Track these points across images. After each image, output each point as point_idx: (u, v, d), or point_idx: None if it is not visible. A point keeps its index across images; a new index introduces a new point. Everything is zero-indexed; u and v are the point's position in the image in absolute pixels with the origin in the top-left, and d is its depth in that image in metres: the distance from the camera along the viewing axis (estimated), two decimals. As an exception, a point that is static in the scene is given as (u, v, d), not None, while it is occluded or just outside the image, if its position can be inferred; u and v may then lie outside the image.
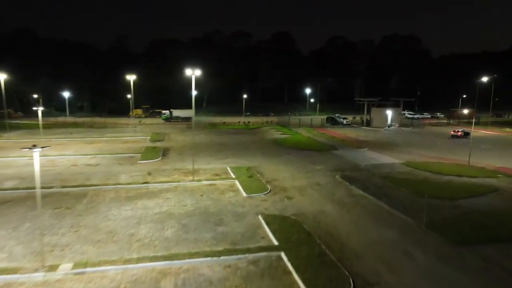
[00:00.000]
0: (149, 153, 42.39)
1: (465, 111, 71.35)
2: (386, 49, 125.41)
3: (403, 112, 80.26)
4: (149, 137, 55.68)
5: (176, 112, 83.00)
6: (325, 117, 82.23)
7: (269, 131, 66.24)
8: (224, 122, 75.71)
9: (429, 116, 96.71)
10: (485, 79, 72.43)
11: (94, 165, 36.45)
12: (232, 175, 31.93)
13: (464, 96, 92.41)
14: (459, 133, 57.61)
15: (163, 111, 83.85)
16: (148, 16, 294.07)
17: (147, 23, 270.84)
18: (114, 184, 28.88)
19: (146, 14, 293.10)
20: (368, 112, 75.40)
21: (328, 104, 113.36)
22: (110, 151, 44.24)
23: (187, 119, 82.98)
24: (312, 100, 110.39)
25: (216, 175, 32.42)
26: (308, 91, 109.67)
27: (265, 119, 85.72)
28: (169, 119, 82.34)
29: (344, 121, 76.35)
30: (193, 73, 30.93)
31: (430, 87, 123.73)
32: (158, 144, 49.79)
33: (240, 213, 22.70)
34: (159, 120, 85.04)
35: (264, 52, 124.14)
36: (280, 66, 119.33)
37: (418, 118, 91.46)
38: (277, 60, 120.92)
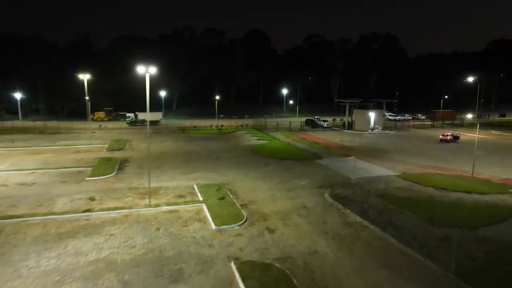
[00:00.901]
0: (102, 166, 35.91)
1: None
2: (364, 48, 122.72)
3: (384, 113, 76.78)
4: (107, 146, 48.91)
5: (142, 115, 76.09)
6: (304, 119, 77.68)
7: (244, 136, 60.77)
8: (195, 126, 69.55)
9: (410, 117, 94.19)
10: (471, 79, 69.89)
11: (29, 184, 29.74)
12: (200, 197, 26.21)
13: (446, 96, 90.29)
14: (448, 137, 54.20)
15: (127, 114, 76.57)
16: (114, 10, 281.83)
17: (111, 18, 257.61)
18: (44, 215, 22.49)
19: (110, 8, 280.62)
20: (350, 114, 71.36)
21: (306, 105, 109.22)
22: (55, 164, 37.36)
23: (155, 122, 76.26)
24: (291, 102, 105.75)
25: (180, 196, 26.59)
26: (285, 91, 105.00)
27: (240, 122, 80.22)
28: (134, 123, 75.28)
29: (325, 124, 71.97)
30: (146, 71, 24.85)
31: (408, 88, 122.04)
32: (116, 154, 43.25)
33: (207, 258, 17.07)
34: (123, 124, 77.82)
35: (238, 50, 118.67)
36: (255, 66, 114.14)
37: (399, 120, 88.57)
38: (251, 59, 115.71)
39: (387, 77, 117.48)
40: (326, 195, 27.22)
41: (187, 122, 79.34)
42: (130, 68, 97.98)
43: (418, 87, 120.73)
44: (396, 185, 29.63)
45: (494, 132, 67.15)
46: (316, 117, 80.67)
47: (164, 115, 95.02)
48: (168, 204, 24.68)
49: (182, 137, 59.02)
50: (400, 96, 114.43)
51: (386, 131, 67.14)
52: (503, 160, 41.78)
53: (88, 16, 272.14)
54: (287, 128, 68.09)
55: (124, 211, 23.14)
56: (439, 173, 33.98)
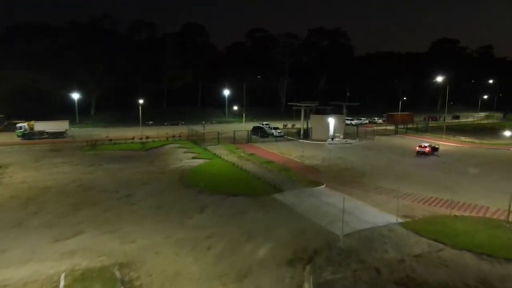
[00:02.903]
0: None
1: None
2: (313, 44, 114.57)
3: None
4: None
5: (40, 125, 58.95)
6: (250, 126, 65.96)
7: (174, 152, 47.26)
8: (111, 140, 54.19)
9: (367, 121, 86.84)
10: (440, 79, 63.15)
11: None
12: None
13: (405, 98, 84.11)
14: (427, 149, 45.56)
15: (19, 124, 58.51)
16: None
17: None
18: None
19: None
20: (305, 119, 60.88)
21: (251, 109, 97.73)
22: None
23: (58, 134, 59.54)
24: (235, 108, 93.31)
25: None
26: (227, 93, 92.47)
27: (173, 130, 66.26)
28: (29, 135, 57.69)
29: (276, 132, 60.75)
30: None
31: (359, 88, 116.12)
32: (-41, 196, 27.67)
33: None
34: (14, 137, 59.77)
35: (172, 46, 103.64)
36: (192, 64, 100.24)
37: (356, 125, 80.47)
38: (188, 57, 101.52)
39: (337, 77, 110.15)
40: (307, 286, 15.32)
41: (106, 132, 63.43)
42: (33, 63, 79.77)
43: (369, 88, 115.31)
44: (413, 251, 18.60)
45: (464, 138, 60.72)
46: (265, 123, 69.26)
47: (78, 124, 77.71)
48: None
49: (89, 158, 43.92)
50: (351, 97, 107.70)
51: (348, 140, 57.58)
52: (509, 182, 33.12)
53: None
54: (230, 139, 55.65)
55: None
56: (456, 216, 23.79)
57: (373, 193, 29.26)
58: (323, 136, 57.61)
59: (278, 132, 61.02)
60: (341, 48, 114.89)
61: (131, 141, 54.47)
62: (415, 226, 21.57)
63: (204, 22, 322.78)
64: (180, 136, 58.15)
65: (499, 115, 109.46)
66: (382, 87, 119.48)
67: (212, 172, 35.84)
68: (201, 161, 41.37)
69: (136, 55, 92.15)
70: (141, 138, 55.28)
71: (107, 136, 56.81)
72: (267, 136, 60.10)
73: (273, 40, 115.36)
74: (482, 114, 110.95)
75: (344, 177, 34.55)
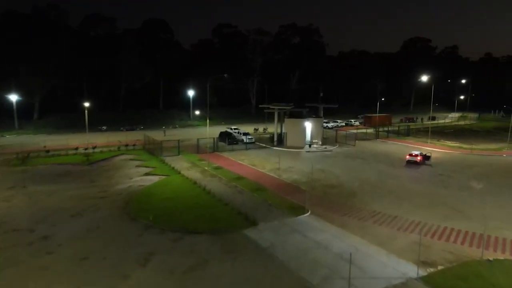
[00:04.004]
0: None
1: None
2: (284, 41, 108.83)
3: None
4: None
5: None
6: (218, 130, 59.04)
7: (125, 166, 39.61)
8: (48, 151, 45.44)
9: (344, 123, 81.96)
10: (425, 78, 59.06)
11: None
12: None
13: (383, 99, 79.97)
14: (418, 157, 40.44)
15: None
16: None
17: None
18: None
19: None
20: (279, 123, 54.64)
21: (218, 111, 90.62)
22: None
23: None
24: (197, 113, 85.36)
25: None
26: (191, 93, 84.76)
27: (130, 136, 58.26)
28: None
29: (246, 139, 54.16)
30: None
31: (332, 88, 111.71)
32: None
33: None
34: None
35: (132, 43, 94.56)
36: (154, 62, 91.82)
37: (332, 128, 75.32)
38: (149, 54, 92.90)
39: (310, 76, 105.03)
40: None
41: (49, 140, 54.30)
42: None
43: (343, 87, 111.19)
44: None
45: (450, 143, 56.59)
46: (233, 128, 62.45)
47: (17, 130, 67.81)
48: None
49: (13, 176, 35.47)
50: (325, 98, 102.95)
51: (328, 147, 51.88)
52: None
53: None
54: (194, 147, 48.43)
55: None
56: (490, 260, 18.09)
57: (372, 223, 23.25)
58: (300, 142, 51.63)
59: (249, 139, 54.41)
60: (313, 45, 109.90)
61: (74, 152, 46.09)
62: (445, 284, 15.59)
63: (171, 19, 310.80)
64: (134, 145, 50.26)
65: (473, 115, 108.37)
66: (356, 87, 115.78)
67: (167, 195, 28.67)
68: (155, 178, 34.06)
69: (90, 51, 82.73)
70: (86, 148, 47.03)
71: (44, 146, 48.01)
72: (236, 143, 53.38)
73: (242, 37, 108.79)
74: (456, 114, 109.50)
75: (330, 198, 28.43)
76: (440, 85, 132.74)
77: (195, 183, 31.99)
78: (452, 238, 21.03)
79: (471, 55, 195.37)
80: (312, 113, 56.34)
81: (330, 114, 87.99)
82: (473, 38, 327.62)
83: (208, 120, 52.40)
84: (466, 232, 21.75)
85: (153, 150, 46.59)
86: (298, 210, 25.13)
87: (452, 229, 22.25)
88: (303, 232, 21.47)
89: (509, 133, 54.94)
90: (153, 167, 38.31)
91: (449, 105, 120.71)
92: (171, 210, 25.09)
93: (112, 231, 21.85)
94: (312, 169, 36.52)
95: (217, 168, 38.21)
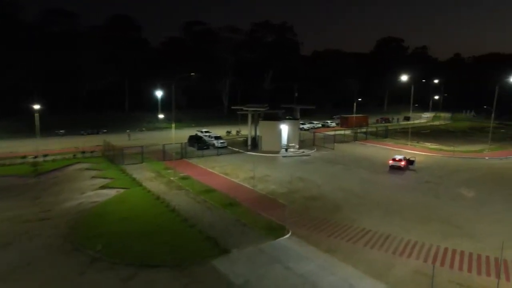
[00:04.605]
0: None
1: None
2: (257, 39, 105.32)
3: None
4: None
5: None
6: (188, 133, 54.84)
7: (78, 178, 34.84)
8: (-11, 160, 39.90)
9: (320, 125, 79.35)
10: (404, 77, 57.26)
11: None
12: None
13: (360, 99, 77.98)
14: (402, 162, 37.94)
15: None
16: None
17: None
18: None
19: None
20: (253, 126, 51.07)
21: (189, 112, 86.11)
22: None
23: None
24: (160, 116, 79.86)
25: None
26: (159, 94, 79.71)
27: (91, 141, 53.07)
28: None
29: (218, 143, 50.25)
30: None
31: (306, 88, 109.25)
32: None
33: None
34: None
35: (96, 41, 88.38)
36: (119, 60, 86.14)
37: (308, 129, 72.50)
38: (115, 52, 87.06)
39: (284, 75, 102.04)
40: None
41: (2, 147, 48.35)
42: None
43: (319, 87, 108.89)
44: None
45: (430, 145, 54.81)
46: (204, 131, 58.28)
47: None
48: None
49: None
50: (299, 98, 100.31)
51: (306, 151, 48.77)
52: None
53: None
54: (159, 154, 43.95)
55: None
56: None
57: (363, 245, 20.06)
58: (275, 146, 48.25)
59: (221, 143, 50.53)
60: (287, 43, 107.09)
61: (21, 161, 40.70)
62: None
63: (140, 15, 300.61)
64: (93, 152, 45.24)
65: (446, 115, 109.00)
66: (331, 87, 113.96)
67: (124, 214, 24.48)
68: (112, 192, 29.66)
69: (48, 49, 76.22)
70: (36, 157, 41.71)
71: (-12, 155, 42.29)
72: (207, 148, 49.36)
73: (213, 34, 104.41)
74: (430, 114, 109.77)
75: (313, 214, 25.10)
76: (414, 85, 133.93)
77: (158, 198, 27.87)
78: (456, 264, 18.12)
79: (440, 55, 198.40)
80: (287, 115, 53.09)
81: (306, 115, 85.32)
82: (441, 39, 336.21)
83: (174, 124, 48.21)
84: (471, 255, 18.95)
85: (114, 157, 41.85)
86: (277, 230, 21.64)
87: (455, 251, 19.39)
88: (284, 262, 17.96)
89: (490, 134, 53.89)
90: (111, 178, 33.78)
91: (423, 105, 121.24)
92: (126, 236, 21.00)
93: (47, 269, 17.52)
94: (291, 178, 33.28)
95: (184, 178, 34.15)
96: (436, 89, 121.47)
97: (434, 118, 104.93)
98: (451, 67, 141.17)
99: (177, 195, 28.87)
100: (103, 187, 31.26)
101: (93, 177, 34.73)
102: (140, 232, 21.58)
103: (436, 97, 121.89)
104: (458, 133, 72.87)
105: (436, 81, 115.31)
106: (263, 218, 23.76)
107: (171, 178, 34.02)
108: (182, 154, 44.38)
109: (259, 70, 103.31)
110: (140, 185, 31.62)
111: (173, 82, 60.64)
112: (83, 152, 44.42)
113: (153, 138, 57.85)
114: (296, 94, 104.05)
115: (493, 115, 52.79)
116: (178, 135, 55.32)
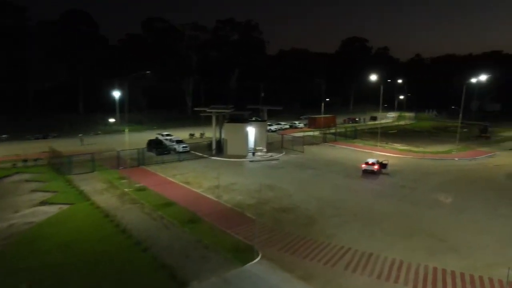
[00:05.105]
0: None
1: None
2: (222, 37, 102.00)
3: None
4: None
5: None
6: (148, 137, 50.79)
7: (15, 191, 30.27)
8: None
9: (287, 126, 77.28)
10: (372, 77, 56.13)
11: None
12: None
13: (328, 99, 76.56)
14: (375, 166, 36.21)
15: None
16: None
17: None
18: None
19: None
20: (219, 129, 47.93)
21: (150, 114, 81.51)
22: None
23: None
24: (111, 120, 74.81)
25: None
26: (117, 95, 74.59)
27: (38, 147, 47.79)
28: None
29: (180, 147, 46.71)
30: None
31: (273, 88, 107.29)
32: None
33: None
34: None
35: (46, 36, 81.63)
36: (73, 59, 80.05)
37: (276, 130, 70.14)
38: (69, 50, 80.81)
39: (249, 74, 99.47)
40: None
41: None
42: None
43: (285, 87, 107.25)
44: None
45: (399, 146, 53.99)
46: (164, 134, 54.35)
47: None
48: None
49: None
50: (266, 98, 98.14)
51: (274, 155, 46.23)
52: (505, 218, 24.44)
53: None
54: (114, 161, 39.79)
55: None
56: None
57: (343, 269, 17.57)
58: (242, 150, 45.34)
59: (183, 147, 47.00)
60: (253, 42, 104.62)
61: (-51, 172, 35.33)
62: None
63: (97, 11, 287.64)
64: (37, 160, 40.33)
65: (410, 114, 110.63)
66: (297, 86, 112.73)
67: (63, 238, 20.70)
68: (53, 209, 25.61)
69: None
70: (-33, 167, 36.42)
71: None
72: (168, 153, 45.72)
73: (176, 32, 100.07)
74: (394, 114, 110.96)
75: (285, 228, 22.45)
76: (379, 85, 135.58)
77: (107, 215, 24.19)
78: (449, 288, 16.02)
79: (400, 56, 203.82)
80: (254, 116, 50.40)
81: (273, 116, 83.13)
82: (402, 39, 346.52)
83: (127, 129, 44.05)
84: (462, 276, 16.94)
85: (61, 166, 37.31)
86: (245, 253, 18.75)
87: (445, 271, 17.32)
88: (255, 297, 15.12)
89: (458, 135, 53.82)
90: (54, 192, 29.57)
91: (389, 105, 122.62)
92: (62, 268, 17.35)
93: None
94: (258, 185, 30.52)
95: (140, 189, 30.51)
96: (400, 89, 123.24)
97: (399, 117, 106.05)
98: (411, 67, 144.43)
99: (130, 210, 25.31)
100: (42, 203, 27.05)
101: (33, 190, 30.29)
102: (82, 262, 17.98)
103: (401, 97, 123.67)
104: (424, 133, 73.25)
105: (399, 81, 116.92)
106: (228, 237, 20.80)
107: (125, 189, 30.28)
108: (140, 161, 40.48)
109: (224, 69, 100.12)
110: (88, 199, 27.66)
111: (127, 81, 56.50)
112: (25, 160, 39.42)
113: (110, 143, 53.29)
114: (263, 94, 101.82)
115: (460, 115, 52.67)
116: (138, 139, 51.18)
